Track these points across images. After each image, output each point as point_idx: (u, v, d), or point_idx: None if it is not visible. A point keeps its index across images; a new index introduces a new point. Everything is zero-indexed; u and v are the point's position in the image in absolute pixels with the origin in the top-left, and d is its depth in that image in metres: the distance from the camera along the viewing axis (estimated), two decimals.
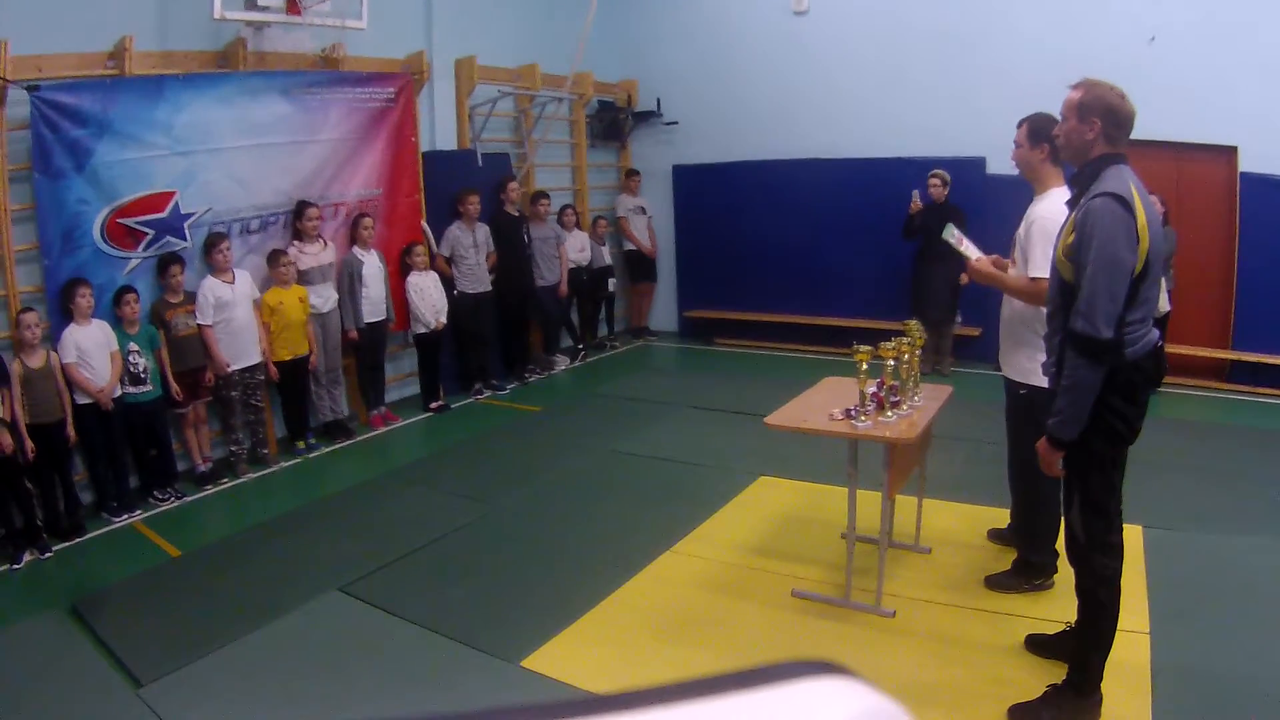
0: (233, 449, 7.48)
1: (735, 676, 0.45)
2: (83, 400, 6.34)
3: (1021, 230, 4.46)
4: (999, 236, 4.76)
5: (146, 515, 6.66)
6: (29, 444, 5.94)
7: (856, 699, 0.45)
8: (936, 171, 9.34)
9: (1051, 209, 4.17)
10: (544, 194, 10.58)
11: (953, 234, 4.77)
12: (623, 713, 0.43)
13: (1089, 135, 3.40)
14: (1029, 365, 4.41)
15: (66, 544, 6.18)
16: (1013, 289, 4.46)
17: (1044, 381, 3.86)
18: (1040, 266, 4.16)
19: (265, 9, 7.37)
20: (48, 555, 5.99)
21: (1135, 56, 8.42)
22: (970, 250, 4.71)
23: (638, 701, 0.43)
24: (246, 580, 5.49)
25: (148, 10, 7.11)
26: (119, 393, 6.52)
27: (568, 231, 10.85)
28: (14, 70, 6.10)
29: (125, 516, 6.57)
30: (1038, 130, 4.36)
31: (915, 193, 9.39)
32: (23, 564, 5.87)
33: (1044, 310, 3.95)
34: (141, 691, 4.28)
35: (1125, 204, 3.23)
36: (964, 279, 8.87)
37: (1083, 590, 3.61)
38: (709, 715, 0.43)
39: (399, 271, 8.97)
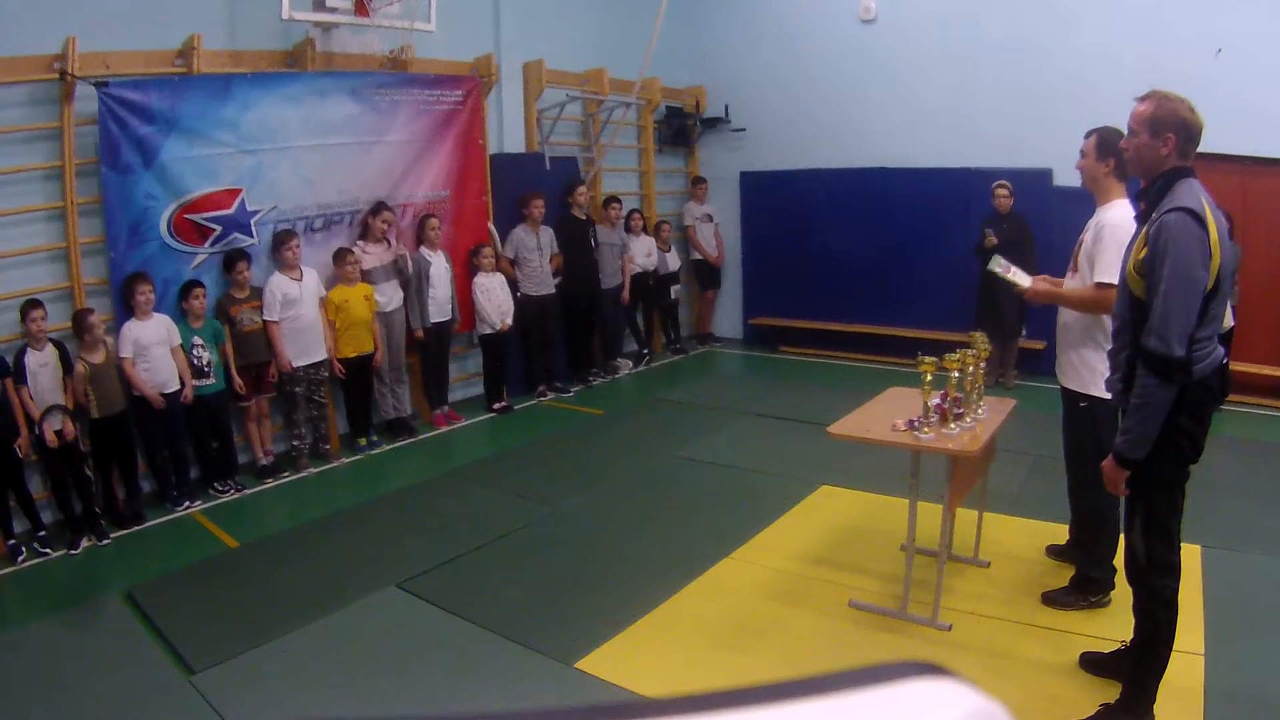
0: (295, 443, 7.38)
1: (840, 676, 0.45)
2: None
3: (1088, 236, 4.33)
4: (1064, 249, 4.61)
5: (206, 506, 6.62)
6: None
7: (962, 700, 0.45)
8: (1002, 183, 9.06)
9: (1120, 216, 4.12)
10: (615, 199, 10.39)
11: (999, 264, 4.70)
12: (729, 710, 0.42)
13: (1163, 150, 3.28)
14: (1087, 375, 4.31)
15: (125, 531, 6.18)
16: (1074, 301, 4.36)
17: (1104, 392, 3.80)
18: (1107, 271, 4.07)
19: (334, 10, 7.26)
20: (106, 542, 5.98)
21: (1202, 68, 8.03)
22: (1020, 278, 4.64)
23: (744, 699, 0.43)
24: (304, 573, 5.44)
25: (216, 10, 7.05)
26: (176, 388, 6.47)
27: (635, 236, 10.62)
28: (82, 67, 6.08)
29: (185, 506, 6.52)
30: (1106, 144, 4.23)
31: (989, 231, 8.90)
32: (80, 550, 5.85)
33: (1103, 317, 3.95)
34: (194, 678, 4.22)
35: (1199, 219, 3.14)
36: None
37: (1140, 610, 3.53)
38: (815, 714, 0.43)
39: (466, 272, 8.87)
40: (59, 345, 5.94)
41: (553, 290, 9.50)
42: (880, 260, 10.85)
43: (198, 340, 6.63)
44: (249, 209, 7.11)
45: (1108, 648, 4.03)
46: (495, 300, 8.86)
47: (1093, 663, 4.03)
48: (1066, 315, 4.49)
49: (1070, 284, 4.45)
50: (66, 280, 6.29)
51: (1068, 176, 7.09)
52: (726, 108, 12.01)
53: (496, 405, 9.08)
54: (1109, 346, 3.73)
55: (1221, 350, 3.35)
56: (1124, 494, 3.46)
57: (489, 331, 8.89)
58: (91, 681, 4.27)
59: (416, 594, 5.08)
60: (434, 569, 5.39)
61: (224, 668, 4.32)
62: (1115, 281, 3.83)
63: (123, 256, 6.43)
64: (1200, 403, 3.28)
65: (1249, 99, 8.11)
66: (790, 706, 0.43)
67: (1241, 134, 7.99)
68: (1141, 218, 3.41)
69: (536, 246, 9.27)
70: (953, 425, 4.42)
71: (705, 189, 11.96)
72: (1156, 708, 3.52)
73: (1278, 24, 8.28)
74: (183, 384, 6.53)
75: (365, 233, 7.94)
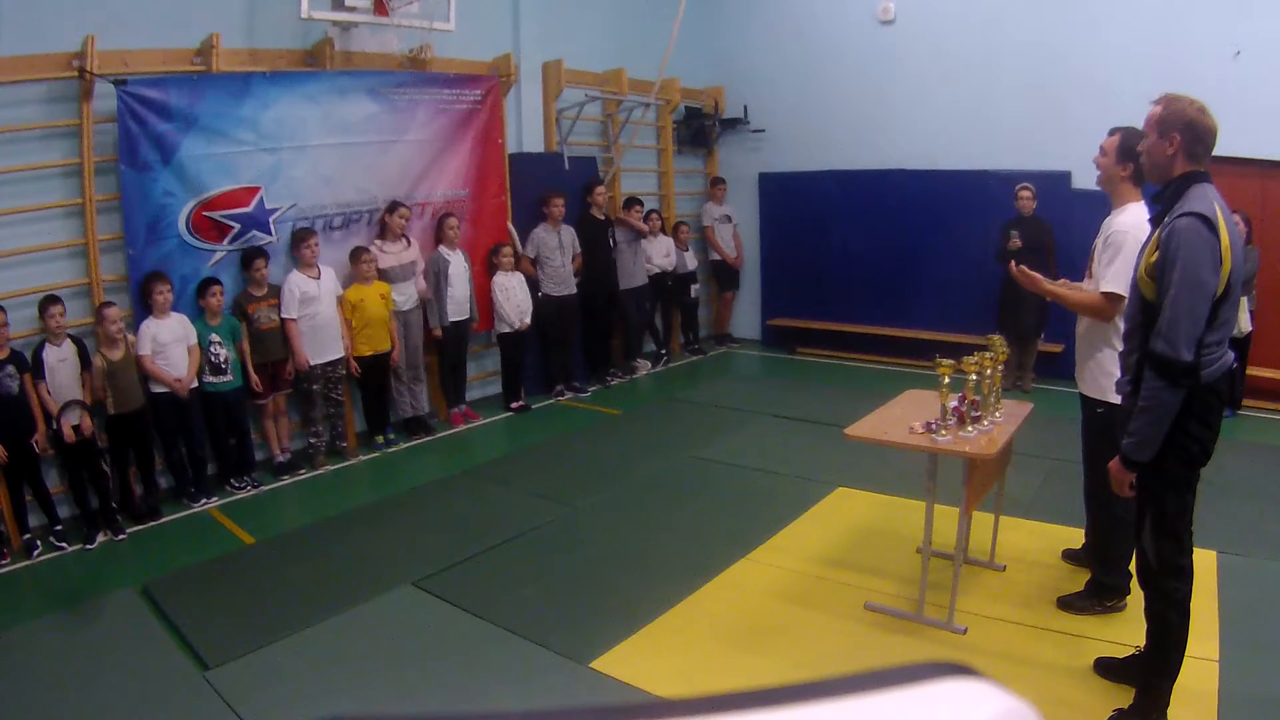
0: (312, 441, 7.36)
1: (869, 676, 0.45)
2: (160, 389, 6.30)
3: (1099, 241, 4.29)
4: (1083, 252, 4.54)
5: (223, 502, 6.60)
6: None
7: (992, 700, 0.45)
8: (1026, 185, 8.96)
9: (1129, 221, 4.08)
10: (636, 200, 10.33)
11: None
12: (761, 709, 0.42)
13: (1169, 151, 3.29)
14: (1105, 382, 4.24)
15: (141, 527, 6.18)
16: (1076, 304, 4.33)
17: (1120, 399, 3.75)
18: (1112, 280, 4.05)
19: (353, 9, 7.21)
20: (122, 537, 5.97)
21: (1220, 71, 7.94)
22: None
23: (774, 699, 0.43)
24: (319, 570, 5.42)
25: (235, 8, 7.05)
26: (194, 385, 6.48)
27: (654, 236, 10.56)
28: (101, 64, 6.08)
29: (202, 503, 6.51)
30: (1128, 148, 4.13)
31: (1014, 233, 8.83)
32: (96, 545, 5.85)
33: (1121, 324, 3.90)
34: (208, 674, 4.22)
35: (1210, 225, 3.13)
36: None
37: (1153, 614, 3.52)
38: (846, 714, 0.43)
39: (485, 271, 8.83)
40: (77, 341, 5.95)
41: (574, 290, 9.43)
42: (898, 262, 10.73)
43: (215, 338, 6.61)
44: (267, 207, 7.09)
45: (1123, 653, 4.01)
46: (514, 299, 8.82)
47: (1107, 667, 4.00)
48: (1085, 322, 4.45)
49: (1086, 289, 4.40)
50: (85, 277, 6.29)
51: (1087, 179, 7.01)
52: (745, 108, 11.91)
53: (514, 404, 9.04)
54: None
55: (1232, 355, 3.34)
56: (1130, 495, 3.45)
57: (507, 330, 8.84)
58: (106, 676, 4.26)
59: (432, 592, 5.05)
60: (450, 567, 5.36)
61: (239, 664, 4.30)
62: (1119, 290, 3.89)
63: (141, 253, 6.42)
64: (1208, 407, 3.27)
65: (1268, 101, 8.00)
66: (821, 706, 0.43)
67: (1260, 137, 7.91)
68: (1155, 221, 3.40)
69: (558, 246, 9.22)
70: (970, 428, 4.38)
71: (724, 190, 11.87)
72: (1170, 712, 3.49)
73: None
74: (199, 380, 6.54)
75: (384, 231, 7.91)
